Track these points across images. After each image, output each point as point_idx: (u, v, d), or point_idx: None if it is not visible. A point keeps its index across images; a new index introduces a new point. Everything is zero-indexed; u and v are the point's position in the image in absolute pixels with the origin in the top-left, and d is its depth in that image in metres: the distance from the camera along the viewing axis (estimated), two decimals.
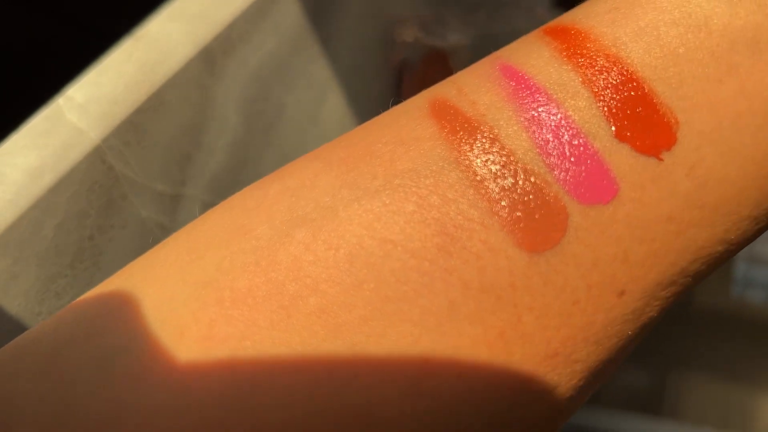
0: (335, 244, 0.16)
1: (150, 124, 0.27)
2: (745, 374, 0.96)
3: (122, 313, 0.16)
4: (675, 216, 0.16)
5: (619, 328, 0.17)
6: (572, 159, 0.16)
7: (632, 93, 0.16)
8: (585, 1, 0.18)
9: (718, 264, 0.17)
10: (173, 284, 0.16)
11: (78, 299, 0.18)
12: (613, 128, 0.16)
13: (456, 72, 0.18)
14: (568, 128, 0.16)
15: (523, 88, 0.17)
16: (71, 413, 0.15)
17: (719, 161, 0.16)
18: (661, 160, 0.16)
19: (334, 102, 0.34)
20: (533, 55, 0.17)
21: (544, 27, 0.18)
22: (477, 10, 0.39)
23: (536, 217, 0.16)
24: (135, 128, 0.26)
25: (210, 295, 0.16)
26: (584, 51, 0.17)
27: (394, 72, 0.38)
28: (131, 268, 0.18)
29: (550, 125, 0.16)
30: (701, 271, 0.17)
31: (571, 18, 0.17)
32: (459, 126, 0.16)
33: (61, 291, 0.25)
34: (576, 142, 0.16)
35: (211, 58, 0.28)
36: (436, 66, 0.42)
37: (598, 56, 0.16)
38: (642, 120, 0.16)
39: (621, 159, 0.16)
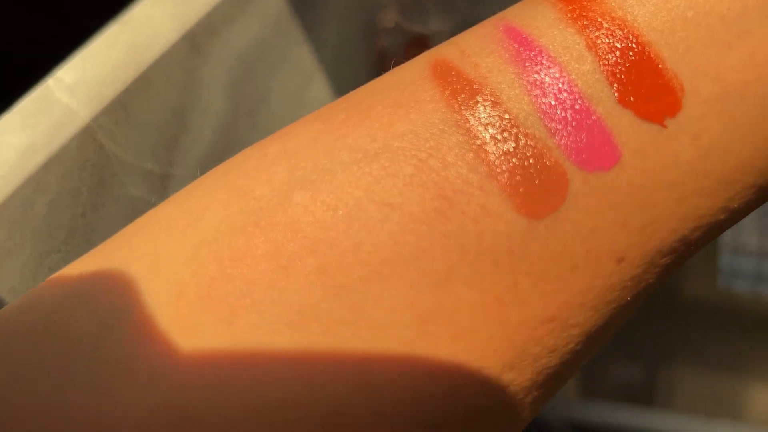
0: (333, 206, 0.16)
1: (138, 104, 0.27)
2: (733, 363, 0.97)
3: (121, 274, 0.17)
4: (678, 184, 0.16)
5: (617, 294, 0.17)
6: (574, 124, 0.16)
7: (637, 57, 0.16)
8: None
9: (719, 232, 0.17)
10: (172, 245, 0.16)
11: (78, 260, 0.18)
12: (616, 93, 0.16)
13: None
14: (570, 93, 0.16)
15: (526, 50, 0.16)
16: (71, 383, 0.15)
17: (724, 130, 0.16)
18: (664, 126, 0.16)
19: (319, 86, 0.35)
20: (538, 16, 0.17)
21: None
22: None
23: (536, 182, 0.16)
24: (124, 108, 0.27)
25: (209, 254, 0.16)
26: (589, 13, 0.16)
27: (377, 57, 0.39)
28: (131, 230, 0.18)
29: (553, 89, 0.16)
30: (702, 239, 0.17)
31: None
32: (460, 88, 0.16)
33: (55, 267, 0.25)
34: (578, 107, 0.16)
35: (196, 41, 0.29)
36: (418, 52, 0.43)
37: (604, 19, 0.16)
38: (646, 85, 0.16)
39: (623, 125, 0.16)
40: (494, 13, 0.18)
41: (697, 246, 0.17)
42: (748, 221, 0.85)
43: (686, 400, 0.97)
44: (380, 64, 0.40)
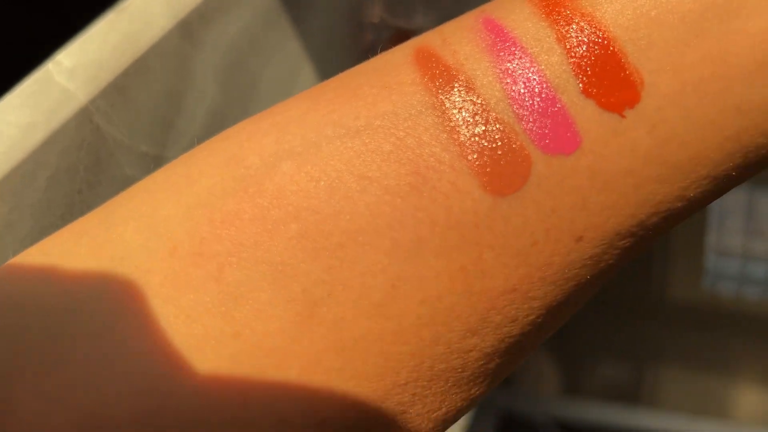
0: (317, 177, 0.17)
1: (134, 88, 0.29)
2: (718, 363, 0.98)
3: (122, 228, 0.18)
4: (634, 170, 0.17)
5: (576, 272, 0.18)
6: (540, 111, 0.17)
7: (602, 51, 0.17)
8: None
9: (678, 219, 0.18)
10: (170, 205, 0.18)
11: (83, 217, 0.19)
12: (581, 84, 0.17)
13: None
14: (538, 82, 0.17)
15: (501, 41, 0.18)
16: (72, 329, 0.17)
17: (680, 122, 0.17)
18: (623, 117, 0.17)
19: (307, 75, 0.36)
20: (515, 10, 0.18)
21: None
22: None
23: (502, 163, 0.17)
24: (120, 91, 0.28)
25: (202, 215, 0.18)
26: (562, 9, 0.17)
27: (363, 51, 0.40)
28: (132, 191, 0.19)
29: (523, 78, 0.17)
30: (660, 225, 0.18)
31: None
32: (439, 73, 0.18)
33: None
34: (545, 95, 0.17)
35: (190, 29, 0.30)
36: None
37: (574, 14, 0.17)
38: (609, 78, 0.17)
39: (586, 114, 0.17)
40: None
41: (656, 231, 0.18)
42: (733, 223, 0.87)
43: (672, 399, 0.98)
44: (366, 58, 0.41)
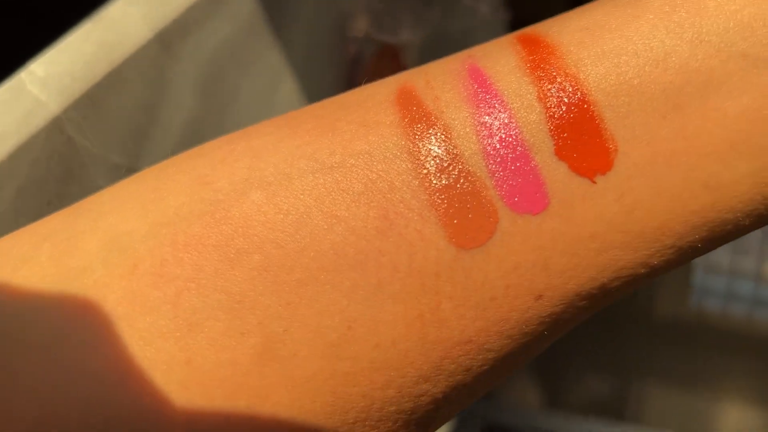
0: (285, 210, 0.17)
1: (108, 99, 0.28)
2: (703, 380, 0.98)
3: (86, 237, 0.18)
4: (599, 236, 0.17)
5: (534, 327, 0.18)
6: (512, 168, 0.17)
7: (580, 115, 0.17)
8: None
9: (640, 284, 0.18)
10: (135, 219, 0.18)
11: (44, 219, 0.19)
12: (555, 146, 0.17)
13: (407, 68, 0.20)
14: (514, 139, 0.17)
15: (483, 91, 0.18)
16: (24, 337, 0.17)
17: (648, 193, 0.17)
18: (594, 182, 0.17)
19: (288, 89, 0.36)
20: (501, 61, 0.18)
21: (518, 33, 0.19)
22: (431, 5, 0.41)
23: (469, 216, 0.17)
24: (94, 102, 0.28)
25: (166, 235, 0.17)
26: (547, 66, 0.17)
27: (346, 65, 0.40)
28: (101, 197, 0.19)
29: (499, 133, 0.17)
30: (621, 288, 0.18)
31: (545, 29, 0.18)
32: (418, 118, 0.18)
33: None
34: (519, 153, 0.17)
35: (168, 41, 0.30)
36: (387, 61, 0.43)
37: (558, 73, 0.17)
38: (584, 142, 0.17)
39: (557, 176, 0.17)
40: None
41: (617, 293, 0.18)
42: None
43: (656, 415, 0.98)
44: (351, 71, 0.41)
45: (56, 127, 0.27)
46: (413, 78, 0.18)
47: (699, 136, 0.17)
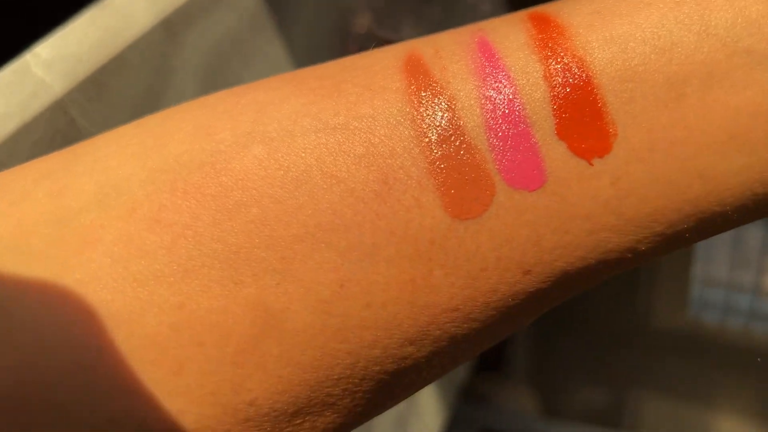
0: (285, 166, 0.17)
1: (112, 83, 0.29)
2: (700, 391, 0.98)
3: (84, 178, 0.18)
4: (592, 217, 0.17)
5: (519, 302, 0.18)
6: (512, 144, 0.17)
7: (584, 97, 0.17)
8: None
9: (623, 269, 0.19)
10: (134, 164, 0.18)
11: (44, 157, 0.19)
12: (557, 125, 0.17)
13: None
14: (517, 115, 0.17)
15: (491, 65, 0.18)
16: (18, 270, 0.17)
17: (644, 179, 0.17)
18: (591, 164, 0.17)
19: None
20: (511, 37, 0.18)
21: (530, 10, 0.19)
22: (431, 3, 0.41)
23: (466, 188, 0.17)
24: (97, 85, 0.28)
25: (165, 182, 0.18)
26: (555, 46, 0.17)
27: None
28: (106, 138, 0.19)
29: (503, 108, 0.17)
30: (605, 271, 0.19)
31: (557, 9, 0.18)
32: (425, 86, 0.18)
33: None
34: (520, 130, 0.17)
35: (172, 29, 0.31)
36: None
37: (566, 54, 0.17)
38: (585, 124, 0.17)
39: (555, 155, 0.17)
40: (464, 25, 0.20)
41: (601, 276, 0.19)
42: (719, 254, 0.87)
43: (652, 426, 0.98)
44: None
45: (59, 108, 0.27)
46: (422, 47, 0.19)
47: (699, 127, 0.17)
